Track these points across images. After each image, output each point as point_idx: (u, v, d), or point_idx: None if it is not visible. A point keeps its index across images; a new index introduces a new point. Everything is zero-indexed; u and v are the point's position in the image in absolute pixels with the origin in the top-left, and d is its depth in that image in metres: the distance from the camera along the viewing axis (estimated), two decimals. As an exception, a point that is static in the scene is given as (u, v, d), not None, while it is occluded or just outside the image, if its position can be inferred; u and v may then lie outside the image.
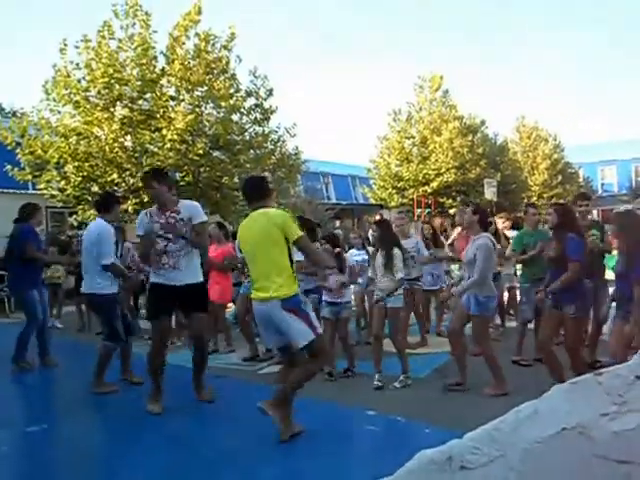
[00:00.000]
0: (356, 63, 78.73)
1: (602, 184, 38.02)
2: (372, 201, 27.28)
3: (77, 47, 12.76)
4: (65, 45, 12.65)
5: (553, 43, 72.94)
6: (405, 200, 24.91)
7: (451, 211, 24.16)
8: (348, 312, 6.35)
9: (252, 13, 70.05)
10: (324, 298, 6.20)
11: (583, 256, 4.92)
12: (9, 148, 13.00)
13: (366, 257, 7.11)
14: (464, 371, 5.45)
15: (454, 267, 8.53)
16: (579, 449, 1.75)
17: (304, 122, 42.61)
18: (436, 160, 24.02)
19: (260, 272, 4.12)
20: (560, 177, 30.71)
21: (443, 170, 23.87)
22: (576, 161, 33.70)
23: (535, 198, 29.81)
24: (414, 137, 25.40)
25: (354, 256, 7.17)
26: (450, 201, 24.50)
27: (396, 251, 5.63)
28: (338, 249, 6.23)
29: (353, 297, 7.17)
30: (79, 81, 12.77)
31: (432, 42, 72.47)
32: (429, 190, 24.29)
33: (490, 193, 22.62)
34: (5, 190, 15.92)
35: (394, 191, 25.29)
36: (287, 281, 4.03)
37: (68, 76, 12.66)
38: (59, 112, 13.04)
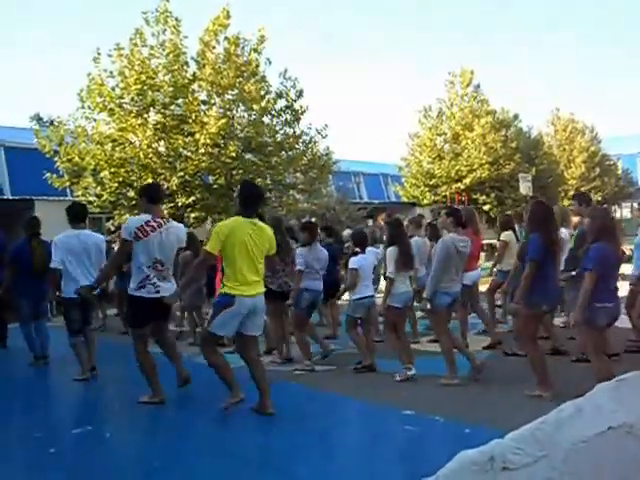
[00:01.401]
0: (369, 65, 78.34)
1: (642, 176, 36.98)
2: (404, 199, 27.10)
3: (110, 55, 13.03)
4: (99, 54, 12.93)
5: (585, 34, 71.32)
6: (438, 198, 24.67)
7: (485, 207, 23.86)
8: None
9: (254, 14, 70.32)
10: (355, 297, 6.29)
11: (540, 254, 4.87)
12: (48, 156, 13.36)
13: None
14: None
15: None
16: (627, 448, 1.71)
17: (333, 122, 42.57)
18: (469, 156, 23.72)
19: (255, 270, 4.70)
20: (598, 170, 30.00)
21: (476, 166, 23.55)
22: (614, 152, 32.83)
23: (572, 192, 29.21)
24: (445, 133, 25.12)
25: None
26: (484, 197, 24.15)
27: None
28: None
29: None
30: (113, 89, 13.04)
31: (461, 36, 71.63)
32: (462, 187, 23.99)
33: (525, 188, 22.23)
34: (45, 197, 16.42)
35: (426, 189, 25.07)
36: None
37: (102, 84, 12.93)
38: (94, 120, 13.33)
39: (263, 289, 4.84)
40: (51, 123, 14.77)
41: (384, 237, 7.89)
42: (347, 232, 9.11)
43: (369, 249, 6.89)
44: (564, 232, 6.51)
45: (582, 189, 29.19)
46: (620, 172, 33.87)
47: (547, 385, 4.93)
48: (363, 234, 7.04)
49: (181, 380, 5.34)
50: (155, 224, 4.97)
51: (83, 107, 13.16)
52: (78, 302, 5.96)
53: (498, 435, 2.08)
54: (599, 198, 29.51)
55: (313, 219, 15.86)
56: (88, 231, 6.43)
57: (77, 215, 6.28)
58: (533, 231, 5.06)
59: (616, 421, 1.74)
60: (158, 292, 4.97)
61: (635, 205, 30.01)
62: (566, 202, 29.19)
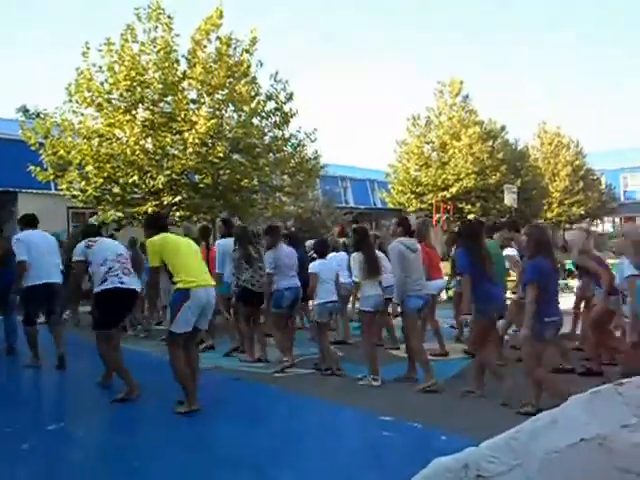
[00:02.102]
0: (369, 65, 78.72)
1: (624, 191, 37.46)
2: (390, 206, 27.21)
3: (100, 50, 12.92)
4: (88, 48, 12.82)
5: (574, 46, 72.28)
6: (424, 205, 24.81)
7: (470, 217, 24.02)
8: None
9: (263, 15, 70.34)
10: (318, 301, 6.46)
11: (468, 268, 5.39)
12: (32, 149, 13.21)
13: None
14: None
15: None
16: (598, 460, 1.73)
17: (323, 126, 42.65)
18: (455, 165, 23.90)
19: (199, 264, 5.16)
20: (582, 184, 30.32)
21: (462, 175, 23.74)
22: (598, 167, 33.24)
23: (556, 204, 29.52)
24: (433, 142, 25.31)
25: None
26: (469, 207, 24.33)
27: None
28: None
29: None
30: (102, 84, 12.93)
31: (451, 46, 72.21)
32: (448, 195, 24.16)
33: (510, 199, 22.43)
34: (28, 190, 16.23)
35: (413, 196, 25.21)
36: None
37: (91, 79, 12.82)
38: (82, 114, 13.21)
39: (213, 282, 5.23)
40: (37, 115, 14.60)
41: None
42: (310, 242, 9.27)
43: (332, 255, 7.09)
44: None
45: (565, 202, 29.56)
46: (603, 187, 34.28)
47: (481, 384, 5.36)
48: (323, 241, 7.33)
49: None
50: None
51: (71, 101, 13.05)
52: (40, 292, 6.48)
53: (474, 443, 2.09)
54: (582, 212, 29.86)
55: (290, 224, 15.90)
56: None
57: (31, 222, 6.97)
58: (460, 247, 5.76)
59: (589, 433, 1.76)
60: (122, 284, 5.34)
61: (617, 220, 30.42)
62: (549, 214, 29.54)
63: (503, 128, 26.64)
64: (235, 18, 18.72)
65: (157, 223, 5.37)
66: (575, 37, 69.88)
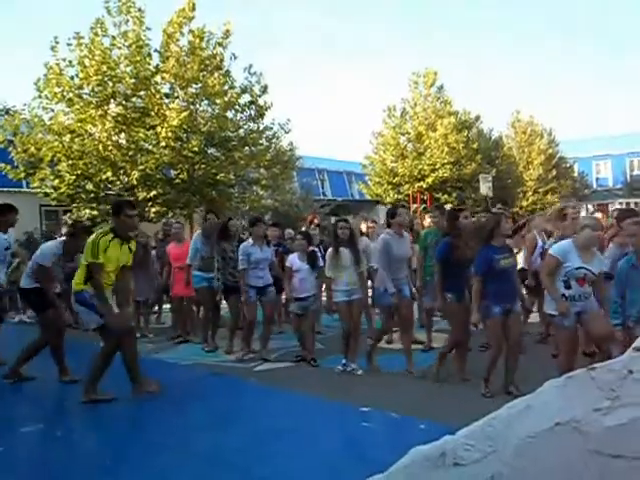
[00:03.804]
0: (348, 59, 78.60)
1: (597, 178, 38.08)
2: (368, 197, 27.28)
3: (69, 44, 12.70)
4: (57, 42, 12.59)
5: (548, 38, 73.02)
6: (401, 196, 24.91)
7: (447, 206, 24.18)
8: (316, 305, 6.77)
9: (245, 9, 69.76)
10: (292, 295, 6.50)
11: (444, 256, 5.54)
12: (1, 146, 12.94)
13: None
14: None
15: None
16: (572, 444, 1.75)
17: (300, 119, 42.52)
18: (431, 156, 24.04)
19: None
20: (555, 172, 30.71)
21: (438, 166, 23.89)
22: (571, 156, 33.73)
23: (530, 193, 29.87)
24: (409, 133, 25.40)
25: None
26: (446, 196, 24.50)
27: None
28: (311, 247, 6.73)
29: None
30: (72, 78, 12.72)
31: (425, 37, 72.40)
32: (425, 186, 24.30)
33: (485, 188, 22.67)
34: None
35: (389, 187, 25.31)
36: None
37: (60, 73, 12.60)
38: (52, 110, 12.99)
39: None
40: (7, 112, 14.29)
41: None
42: (289, 231, 9.28)
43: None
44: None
45: (540, 190, 29.91)
46: (576, 175, 34.81)
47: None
48: (306, 233, 7.23)
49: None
50: None
51: (40, 97, 12.81)
52: None
53: (453, 431, 2.11)
54: (555, 199, 30.28)
55: (267, 218, 15.85)
56: None
57: None
58: (444, 236, 5.82)
59: (563, 417, 1.78)
60: None
61: (590, 207, 30.89)
62: (524, 203, 29.90)
63: (477, 118, 26.87)
64: (207, 10, 18.49)
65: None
66: (570, 30, 70.62)
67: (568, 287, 4.69)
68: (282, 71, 70.69)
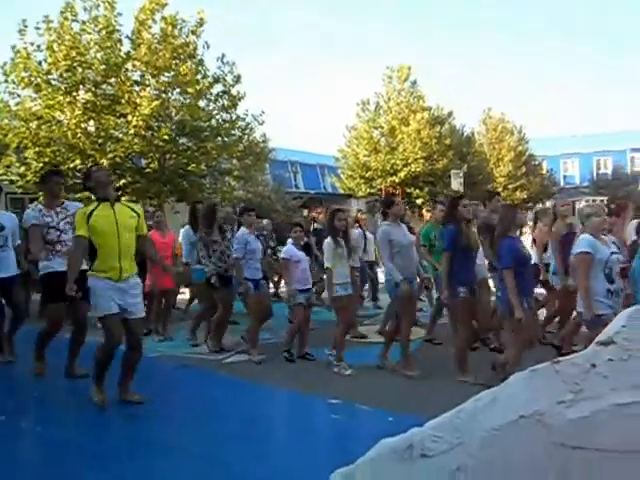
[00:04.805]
0: (324, 52, 78.34)
1: (564, 176, 38.86)
2: (340, 191, 27.32)
3: (38, 28, 12.37)
4: (25, 26, 12.25)
5: (547, 37, 73.84)
6: (373, 190, 25.01)
7: (418, 201, 24.38)
8: (314, 297, 6.62)
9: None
10: (295, 286, 6.21)
11: (454, 241, 5.31)
12: (-35, 132, 12.58)
13: None
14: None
15: None
16: (536, 436, 1.78)
17: (273, 111, 42.22)
18: (404, 150, 24.16)
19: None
20: (524, 169, 31.21)
21: (411, 160, 24.03)
22: (540, 154, 34.31)
23: (500, 189, 30.27)
24: (382, 127, 25.49)
25: None
26: (417, 191, 24.68)
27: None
28: (306, 239, 6.64)
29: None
30: (40, 63, 12.41)
31: (424, 37, 72.57)
32: (397, 180, 24.42)
33: (457, 184, 22.91)
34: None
35: (362, 181, 25.38)
36: None
37: (28, 58, 12.27)
38: (19, 95, 12.65)
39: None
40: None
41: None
42: (267, 222, 9.22)
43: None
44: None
45: (509, 187, 30.36)
46: (545, 172, 35.43)
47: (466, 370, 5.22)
48: (301, 225, 7.06)
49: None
50: None
51: (7, 81, 12.47)
52: None
53: (421, 423, 2.13)
54: (524, 196, 30.75)
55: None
56: None
57: None
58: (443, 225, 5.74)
59: (527, 410, 1.81)
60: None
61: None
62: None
63: (450, 114, 27.08)
64: (182, 1, 18.09)
65: None
66: (542, 29, 71.29)
67: (611, 281, 4.44)
68: (281, 71, 70.19)
